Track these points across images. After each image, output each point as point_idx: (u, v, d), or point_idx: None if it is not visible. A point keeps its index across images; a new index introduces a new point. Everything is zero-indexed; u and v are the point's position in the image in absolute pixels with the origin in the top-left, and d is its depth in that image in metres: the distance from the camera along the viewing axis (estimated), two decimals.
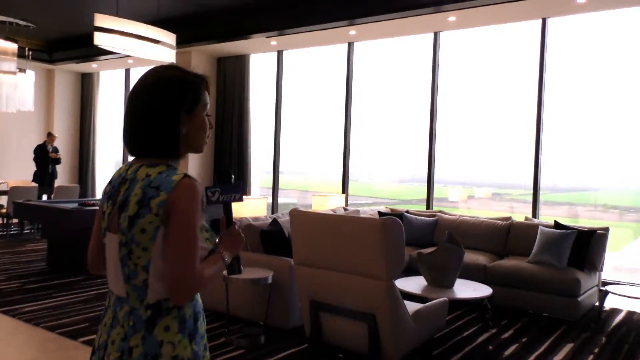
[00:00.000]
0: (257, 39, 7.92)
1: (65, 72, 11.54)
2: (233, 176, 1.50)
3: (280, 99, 8.88)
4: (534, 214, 6.27)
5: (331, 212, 5.46)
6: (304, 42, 8.11)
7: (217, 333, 4.05)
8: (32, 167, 9.91)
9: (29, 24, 8.81)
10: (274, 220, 4.46)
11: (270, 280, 3.88)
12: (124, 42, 6.29)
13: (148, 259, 1.30)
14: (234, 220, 1.47)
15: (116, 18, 6.18)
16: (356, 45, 8.08)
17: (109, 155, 11.62)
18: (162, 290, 1.30)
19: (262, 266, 4.14)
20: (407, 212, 6.09)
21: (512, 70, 7.81)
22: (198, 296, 1.39)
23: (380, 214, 6.03)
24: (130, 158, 1.45)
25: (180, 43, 8.32)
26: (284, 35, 7.58)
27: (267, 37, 7.79)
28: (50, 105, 11.54)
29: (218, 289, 4.15)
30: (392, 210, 6.32)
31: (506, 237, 5.54)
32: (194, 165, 9.10)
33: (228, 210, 1.44)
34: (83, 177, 11.76)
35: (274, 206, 8.97)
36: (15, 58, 8.47)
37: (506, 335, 4.27)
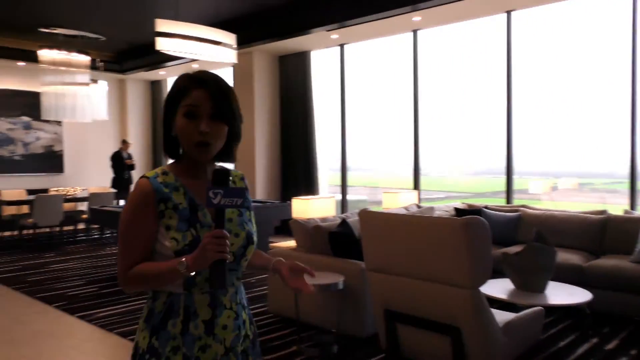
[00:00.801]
0: (318, 34, 7.70)
1: (136, 81, 11.89)
2: (231, 178, 1.38)
3: (344, 95, 8.62)
4: (632, 206, 5.62)
5: (404, 211, 5.14)
6: (366, 33, 7.81)
7: (287, 341, 3.86)
8: (110, 174, 10.26)
9: (99, 37, 9.09)
10: (343, 221, 4.21)
11: (341, 286, 3.63)
12: (185, 46, 6.27)
13: None
14: (224, 228, 1.28)
15: (176, 22, 6.16)
16: (421, 33, 7.66)
17: None
18: None
19: (331, 270, 3.90)
20: (485, 207, 5.65)
21: (598, 51, 7.11)
22: (187, 296, 1.36)
23: (457, 210, 5.62)
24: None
25: (241, 44, 8.28)
26: (344, 27, 7.30)
27: (328, 31, 7.55)
28: (123, 114, 11.94)
29: (287, 293, 3.95)
30: (469, 205, 5.89)
31: (602, 233, 4.96)
32: (261, 165, 9.04)
33: (220, 216, 1.28)
34: None
35: (343, 204, 8.74)
36: (88, 70, 8.77)
37: (610, 346, 3.77)
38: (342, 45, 8.54)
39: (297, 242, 4.34)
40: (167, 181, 1.39)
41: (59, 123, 10.87)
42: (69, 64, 8.54)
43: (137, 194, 1.36)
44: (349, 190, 9.07)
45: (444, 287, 2.62)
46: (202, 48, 6.42)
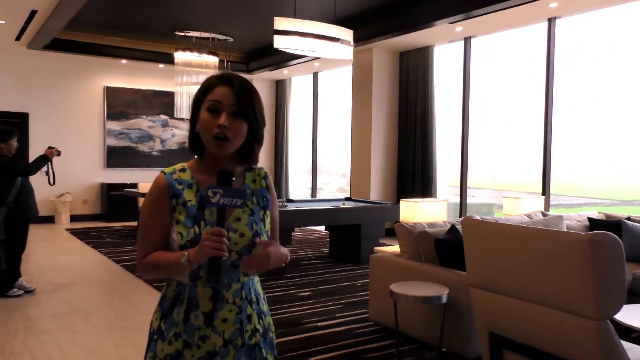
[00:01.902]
0: (441, 27, 7.27)
1: (262, 80, 12.31)
2: (234, 179, 1.38)
3: (467, 91, 8.08)
4: None
5: (526, 219, 4.60)
6: (494, 24, 7.21)
7: (385, 354, 3.61)
8: None
9: (227, 38, 9.50)
10: (452, 227, 3.85)
11: (445, 300, 3.30)
12: (302, 43, 6.26)
13: None
14: (224, 225, 1.36)
15: (294, 19, 6.17)
16: (559, 23, 6.88)
17: (301, 159, 12.04)
18: None
19: (436, 281, 3.57)
20: (628, 218, 4.87)
21: None
22: (191, 288, 1.44)
23: (591, 220, 4.92)
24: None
25: (360, 40, 8.13)
26: (470, 18, 6.80)
27: (452, 23, 7.09)
28: None
29: (387, 302, 3.69)
30: (607, 216, 5.13)
31: None
32: (376, 165, 8.82)
33: (221, 215, 1.35)
34: (277, 179, 12.41)
35: (462, 207, 8.21)
36: (217, 70, 9.21)
37: None
38: (466, 39, 8.00)
39: (401, 248, 4.06)
40: (183, 178, 1.48)
41: None
42: (199, 65, 9.03)
43: (154, 188, 1.48)
44: (472, 192, 8.50)
45: (563, 314, 2.20)
46: (319, 45, 6.37)
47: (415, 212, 4.51)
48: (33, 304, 4.78)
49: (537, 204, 5.51)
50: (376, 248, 4.66)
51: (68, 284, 5.52)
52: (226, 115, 1.41)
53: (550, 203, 7.04)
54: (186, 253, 1.36)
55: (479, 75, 8.08)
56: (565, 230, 4.49)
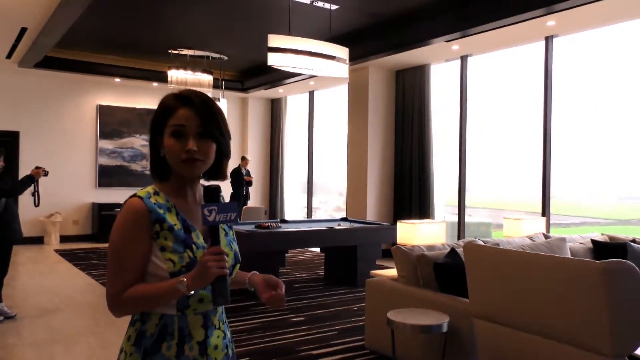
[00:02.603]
0: (437, 45, 7.19)
1: (257, 99, 12.22)
2: (222, 194, 1.37)
3: (464, 110, 7.97)
4: None
5: (528, 241, 4.43)
6: (491, 43, 7.13)
7: None
8: (229, 189, 10.55)
9: (222, 56, 9.42)
10: (452, 250, 3.67)
11: (445, 328, 3.11)
12: (297, 60, 6.15)
13: None
14: (218, 244, 1.32)
15: (288, 37, 6.07)
16: (556, 41, 6.81)
17: (297, 178, 11.88)
18: None
19: (436, 307, 3.38)
20: (633, 240, 4.70)
21: None
22: (180, 317, 1.36)
23: (595, 243, 4.75)
24: None
25: (356, 58, 8.05)
26: (467, 36, 6.72)
27: (448, 42, 7.01)
28: (244, 131, 12.32)
29: (384, 329, 3.50)
30: (610, 238, 4.97)
31: None
32: (372, 184, 8.67)
33: (215, 233, 1.31)
34: (273, 198, 12.24)
35: (460, 227, 8.03)
36: (211, 89, 9.09)
37: None
38: (463, 57, 7.93)
39: (398, 272, 3.88)
40: (160, 202, 1.38)
41: None
42: (194, 84, 8.91)
43: (132, 214, 1.34)
44: (470, 211, 8.34)
45: (575, 350, 2.02)
46: (314, 63, 6.26)
47: (413, 234, 4.34)
48: (13, 331, 4.55)
49: (538, 225, 5.35)
50: (372, 272, 4.48)
51: (52, 309, 5.30)
52: (193, 139, 1.35)
53: (551, 222, 6.88)
54: (183, 279, 1.27)
55: (476, 94, 7.99)
56: (569, 254, 4.32)
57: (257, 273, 1.50)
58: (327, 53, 6.28)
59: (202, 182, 1.47)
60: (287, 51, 6.08)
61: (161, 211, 1.36)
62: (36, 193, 5.10)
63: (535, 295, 2.14)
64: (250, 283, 1.50)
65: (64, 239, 10.17)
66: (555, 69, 6.82)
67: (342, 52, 6.47)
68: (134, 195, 1.36)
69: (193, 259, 1.34)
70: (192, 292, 1.28)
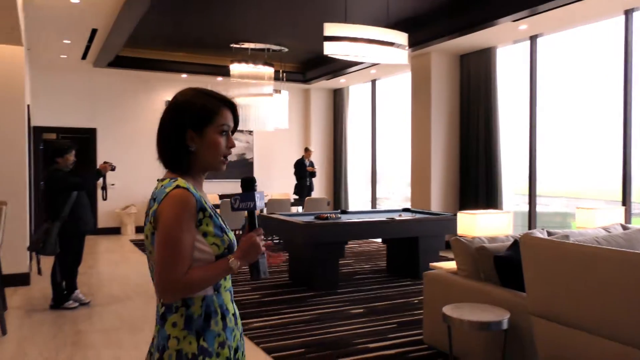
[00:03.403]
0: (503, 26, 6.82)
1: (320, 90, 12.20)
2: (256, 184, 1.55)
3: (534, 94, 7.52)
4: None
5: (602, 232, 4.09)
6: (562, 20, 6.66)
7: None
8: (293, 181, 10.64)
9: (282, 48, 9.45)
10: (515, 243, 3.45)
11: (505, 325, 2.93)
12: (354, 48, 6.04)
13: (153, 261, 1.47)
14: (257, 226, 1.54)
15: (344, 25, 5.96)
16: (637, 15, 6.25)
17: (361, 167, 11.77)
18: None
19: (496, 303, 3.19)
20: None
21: None
22: (217, 296, 1.50)
23: None
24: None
25: (417, 44, 7.81)
26: (535, 14, 6.31)
27: (515, 21, 6.62)
28: (307, 122, 12.35)
29: (441, 324, 3.35)
30: None
31: None
32: (436, 174, 8.41)
33: (250, 217, 1.54)
34: (337, 188, 12.21)
35: (530, 217, 7.63)
36: (272, 81, 9.16)
37: None
38: (532, 38, 7.47)
39: (457, 265, 3.71)
40: (195, 192, 1.48)
41: (250, 132, 11.69)
42: (255, 77, 9.02)
43: (185, 204, 1.44)
44: (546, 200, 7.91)
45: None
46: (371, 50, 6.13)
47: (474, 225, 4.14)
48: (85, 317, 4.81)
49: (616, 215, 4.95)
50: (432, 264, 4.32)
51: (123, 297, 5.56)
52: (230, 137, 1.56)
53: (632, 212, 6.37)
54: (232, 258, 1.44)
55: (547, 77, 7.52)
56: None
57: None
58: (385, 39, 6.12)
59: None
60: (343, 39, 5.98)
61: (202, 200, 1.48)
62: (104, 187, 5.33)
63: (600, 293, 1.94)
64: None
65: (139, 229, 10.67)
66: (636, 45, 6.26)
67: (401, 37, 6.28)
68: (178, 187, 1.45)
69: (230, 242, 1.50)
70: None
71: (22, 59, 6.05)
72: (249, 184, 1.52)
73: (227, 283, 1.54)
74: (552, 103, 7.60)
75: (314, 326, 4.49)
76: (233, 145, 1.54)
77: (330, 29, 6.00)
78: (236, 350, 1.54)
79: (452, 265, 4.03)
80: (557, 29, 7.13)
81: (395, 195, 11.66)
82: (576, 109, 7.75)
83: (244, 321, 4.59)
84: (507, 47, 8.01)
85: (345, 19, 6.45)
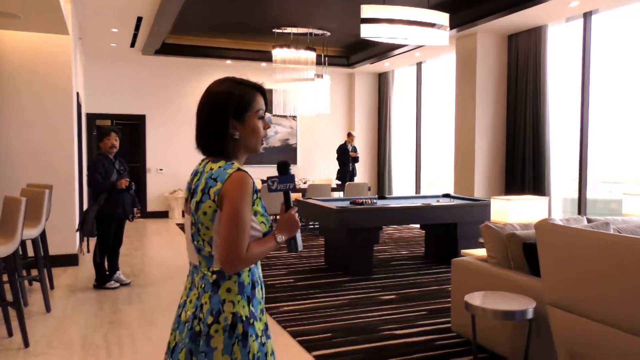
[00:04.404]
0: (554, 2, 6.46)
1: (364, 74, 12.05)
2: (291, 167, 1.69)
3: (586, 75, 7.12)
4: None
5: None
6: None
7: None
8: (336, 166, 10.61)
9: (325, 32, 9.37)
10: None
11: (530, 315, 2.81)
12: (392, 30, 5.92)
13: (210, 236, 1.59)
14: (292, 205, 1.69)
15: (381, 6, 5.85)
16: None
17: (405, 152, 11.58)
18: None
19: (524, 292, 3.07)
20: None
21: None
22: (256, 268, 1.66)
23: None
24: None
25: (461, 24, 7.55)
26: None
27: None
28: (351, 107, 12.25)
29: (466, 313, 3.26)
30: None
31: None
32: (481, 159, 8.15)
33: (287, 197, 1.68)
34: (380, 174, 12.09)
35: (580, 204, 7.27)
36: (314, 66, 9.11)
37: None
38: (586, 15, 7.05)
39: (487, 252, 3.58)
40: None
41: (294, 118, 11.73)
42: (297, 61, 9.00)
43: (248, 186, 1.57)
44: (602, 187, 7.54)
45: None
46: (409, 31, 5.98)
47: (507, 211, 3.98)
48: (125, 297, 5.00)
49: None
50: (463, 251, 4.21)
51: (163, 279, 5.74)
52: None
53: None
54: (279, 233, 1.63)
55: (602, 58, 7.08)
56: None
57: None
58: (424, 20, 5.95)
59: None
60: (381, 21, 5.87)
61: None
62: (132, 210, 5.36)
63: (621, 284, 1.81)
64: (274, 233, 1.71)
65: None
66: None
67: (442, 18, 6.09)
68: (238, 170, 1.58)
69: (272, 221, 1.66)
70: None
71: (70, 47, 6.27)
72: (285, 167, 1.67)
73: None
74: (606, 86, 7.17)
75: (344, 311, 4.48)
76: (269, 127, 1.70)
77: (367, 10, 5.90)
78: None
79: (484, 252, 3.91)
80: (613, 5, 6.69)
81: (442, 180, 11.41)
82: (631, 92, 7.28)
83: (275, 304, 4.66)
84: (559, 25, 7.61)
85: (384, 1, 6.31)
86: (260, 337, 1.61)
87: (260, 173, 10.54)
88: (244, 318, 1.57)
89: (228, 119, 1.62)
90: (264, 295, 1.70)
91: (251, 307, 1.60)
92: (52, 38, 6.15)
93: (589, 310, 1.93)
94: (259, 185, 9.03)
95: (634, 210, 4.59)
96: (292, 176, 1.66)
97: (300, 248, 1.69)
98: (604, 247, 1.86)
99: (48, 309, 4.51)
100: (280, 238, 1.62)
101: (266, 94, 1.71)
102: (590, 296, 1.92)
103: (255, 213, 1.60)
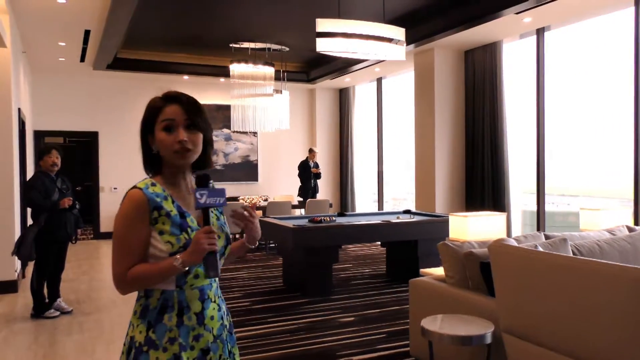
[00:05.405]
0: (508, 18, 6.51)
1: (324, 90, 11.97)
2: (212, 181, 1.58)
3: (541, 89, 7.19)
4: None
5: (606, 235, 3.79)
6: (569, 12, 6.33)
7: None
8: (298, 183, 10.41)
9: (283, 47, 9.24)
10: None
11: (489, 340, 2.65)
12: (347, 44, 5.82)
13: None
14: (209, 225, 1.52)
15: (337, 20, 5.76)
16: None
17: (367, 168, 11.51)
18: None
19: (482, 314, 2.92)
20: None
21: None
22: (179, 292, 1.53)
23: None
24: None
25: (418, 39, 7.54)
26: (540, 5, 5.99)
27: (518, 13, 6.31)
28: (312, 123, 12.13)
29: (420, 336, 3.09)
30: None
31: None
32: (441, 174, 8.11)
33: (207, 215, 1.52)
34: (343, 190, 11.96)
35: (539, 218, 7.28)
36: (273, 81, 8.95)
37: None
38: (539, 31, 7.14)
39: (445, 271, 3.44)
40: (157, 191, 1.56)
41: (254, 134, 11.51)
42: (255, 77, 8.82)
43: (132, 203, 1.52)
44: (559, 200, 7.59)
45: None
46: (365, 46, 5.90)
47: (465, 228, 3.87)
48: (64, 327, 4.64)
49: (624, 216, 4.63)
50: (422, 270, 4.07)
51: (110, 305, 5.39)
52: (183, 130, 1.54)
53: None
54: (178, 257, 1.46)
55: (556, 72, 7.17)
56: None
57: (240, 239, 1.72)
58: (380, 35, 5.88)
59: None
60: (336, 35, 5.77)
61: (158, 199, 1.53)
62: (74, 231, 5.07)
63: (576, 311, 1.67)
64: (234, 248, 1.71)
65: None
66: None
67: (398, 32, 6.03)
68: (134, 187, 1.54)
69: (188, 241, 1.51)
70: (187, 269, 1.48)
71: (8, 61, 5.92)
72: (206, 180, 1.54)
73: (199, 282, 1.55)
74: (560, 99, 7.26)
75: (300, 336, 4.25)
76: (181, 139, 1.53)
77: (322, 24, 5.79)
78: (206, 352, 1.54)
79: (441, 271, 3.77)
80: (565, 22, 6.80)
81: (405, 197, 11.37)
82: (585, 105, 7.40)
83: None
84: (514, 42, 7.69)
85: (338, 15, 6.22)
86: None
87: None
88: (137, 344, 1.51)
89: (146, 133, 1.59)
90: (194, 325, 1.53)
91: (151, 334, 1.50)
92: None
93: (544, 338, 1.79)
94: None
95: (591, 224, 4.56)
96: (223, 190, 1.52)
97: (213, 274, 1.48)
98: (557, 270, 1.72)
99: None
100: (178, 262, 1.46)
101: (186, 102, 1.58)
102: (544, 323, 1.77)
103: (162, 232, 1.51)
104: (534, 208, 7.46)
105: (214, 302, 1.61)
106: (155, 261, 1.51)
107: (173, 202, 1.56)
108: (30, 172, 8.07)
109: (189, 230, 1.53)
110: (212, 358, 1.56)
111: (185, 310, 1.53)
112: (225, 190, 1.54)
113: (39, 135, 9.89)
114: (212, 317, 1.58)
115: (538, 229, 7.34)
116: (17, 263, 6.07)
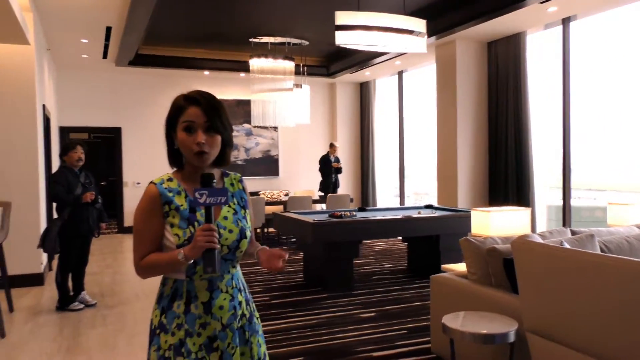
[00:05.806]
0: (531, 8, 6.35)
1: (345, 84, 11.89)
2: (215, 180, 1.61)
3: (567, 81, 7.00)
4: None
5: (632, 232, 3.67)
6: (596, 1, 6.14)
7: None
8: (319, 177, 10.39)
9: (302, 42, 9.20)
10: None
11: (512, 338, 2.59)
12: (367, 37, 5.75)
13: None
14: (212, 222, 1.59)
15: (356, 12, 5.68)
16: None
17: (389, 163, 11.41)
18: None
19: (506, 311, 2.85)
20: None
21: None
22: (189, 282, 1.63)
23: None
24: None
25: (440, 31, 7.42)
26: None
27: (542, 3, 6.15)
28: (333, 117, 12.07)
29: (441, 333, 3.04)
30: None
31: None
32: (463, 169, 7.98)
33: (209, 213, 1.58)
34: (364, 185, 11.90)
35: (565, 213, 7.12)
36: (292, 75, 8.92)
37: None
38: (564, 21, 6.95)
39: (467, 268, 3.38)
40: (171, 186, 1.67)
41: (275, 129, 11.51)
42: (275, 71, 8.79)
43: (146, 198, 1.65)
44: (586, 195, 7.42)
45: None
46: (385, 38, 5.82)
47: (488, 223, 3.79)
48: (88, 320, 4.71)
49: None
50: (444, 266, 4.00)
51: (133, 298, 5.45)
52: (201, 133, 1.62)
53: None
54: (182, 250, 1.55)
55: (582, 64, 6.98)
56: None
57: (267, 248, 1.77)
58: (400, 27, 5.80)
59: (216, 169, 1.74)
60: (356, 28, 5.71)
61: (170, 194, 1.64)
62: (98, 225, 5.14)
63: (602, 310, 1.61)
64: (257, 256, 1.78)
65: None
66: None
67: (419, 24, 5.93)
68: (151, 182, 1.67)
69: (194, 234, 1.59)
70: (192, 261, 1.57)
71: (32, 58, 6.01)
72: (209, 180, 1.58)
73: (208, 274, 1.62)
74: (587, 91, 7.06)
75: (319, 331, 4.23)
76: (199, 141, 1.60)
77: (341, 17, 5.72)
78: (213, 339, 1.62)
79: (462, 267, 3.70)
80: (592, 11, 6.61)
81: (428, 191, 11.24)
82: (613, 97, 7.19)
83: None
84: (538, 32, 7.51)
85: (358, 7, 6.15)
86: (165, 350, 1.60)
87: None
88: (153, 326, 1.66)
89: (169, 131, 1.68)
90: (200, 313, 1.62)
91: (163, 319, 1.63)
92: (11, 48, 5.88)
93: (569, 339, 1.72)
94: None
95: (619, 220, 4.43)
96: (225, 189, 1.58)
97: (210, 271, 1.54)
98: (583, 267, 1.65)
99: (2, 334, 4.21)
100: (181, 255, 1.55)
101: (205, 105, 1.64)
102: (570, 323, 1.71)
103: (172, 225, 1.62)
104: (560, 203, 7.30)
105: (226, 292, 1.67)
106: (167, 251, 1.63)
107: (186, 196, 1.66)
108: (56, 168, 8.21)
109: (195, 224, 1.62)
110: (220, 346, 1.63)
111: (193, 299, 1.63)
112: (227, 190, 1.60)
113: (64, 131, 10.05)
114: (221, 307, 1.64)
115: (564, 225, 7.18)
116: (44, 256, 6.18)
